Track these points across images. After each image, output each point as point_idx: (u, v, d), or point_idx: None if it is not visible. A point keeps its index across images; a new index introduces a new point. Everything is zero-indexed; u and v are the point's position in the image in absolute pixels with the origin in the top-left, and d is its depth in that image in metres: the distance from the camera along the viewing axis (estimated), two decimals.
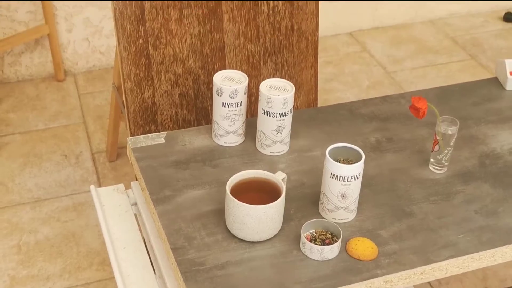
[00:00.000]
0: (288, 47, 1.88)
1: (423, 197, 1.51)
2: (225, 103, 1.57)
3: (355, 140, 1.66)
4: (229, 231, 1.39)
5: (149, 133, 1.66)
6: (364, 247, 1.36)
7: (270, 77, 1.91)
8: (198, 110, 1.88)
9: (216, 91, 1.57)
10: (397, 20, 3.41)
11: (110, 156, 2.47)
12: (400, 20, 3.41)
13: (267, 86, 1.56)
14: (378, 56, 3.14)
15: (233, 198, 1.33)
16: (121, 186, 1.69)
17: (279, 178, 1.40)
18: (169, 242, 1.36)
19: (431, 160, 1.58)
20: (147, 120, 1.84)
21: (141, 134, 1.77)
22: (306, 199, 1.49)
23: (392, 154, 1.63)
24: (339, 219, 1.42)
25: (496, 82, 1.91)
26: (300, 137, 1.67)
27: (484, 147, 1.67)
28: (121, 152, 2.53)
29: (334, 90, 2.88)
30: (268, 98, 1.53)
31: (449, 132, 1.53)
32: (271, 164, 1.58)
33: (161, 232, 1.41)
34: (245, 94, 1.58)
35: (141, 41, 1.74)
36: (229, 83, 1.57)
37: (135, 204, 1.65)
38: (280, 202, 1.35)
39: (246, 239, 1.37)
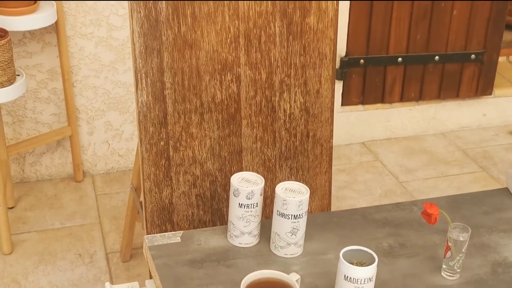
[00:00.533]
0: (303, 153, 1.95)
1: None
2: (241, 204, 1.61)
3: (368, 245, 1.68)
4: None
5: (165, 232, 1.70)
6: None
7: (285, 181, 1.96)
8: (214, 211, 1.92)
9: (233, 192, 1.62)
10: (409, 131, 3.49)
11: (124, 256, 2.50)
12: (412, 131, 3.49)
13: (282, 188, 1.61)
14: (390, 166, 3.20)
15: None
16: (135, 284, 1.71)
17: (293, 279, 1.42)
18: None
19: (443, 266, 1.60)
20: (163, 219, 1.88)
21: (157, 233, 1.81)
22: None
23: (404, 260, 1.65)
24: None
25: (507, 193, 1.94)
26: (314, 240, 1.70)
27: (496, 256, 1.69)
28: (135, 252, 2.55)
29: (347, 197, 2.92)
30: (283, 200, 1.57)
31: (461, 238, 1.56)
32: (284, 266, 1.60)
33: None
34: (261, 195, 1.63)
35: (162, 143, 1.81)
36: (246, 184, 1.62)
37: None
38: None
39: None
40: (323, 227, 1.75)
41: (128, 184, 3.00)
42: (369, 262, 1.44)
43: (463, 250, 1.56)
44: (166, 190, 1.86)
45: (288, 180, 1.96)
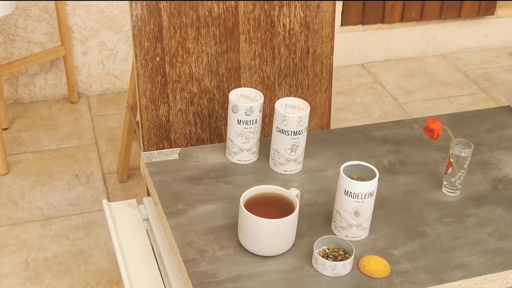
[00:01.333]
0: (303, 70, 1.90)
1: (436, 219, 1.50)
2: (240, 120, 1.58)
3: (368, 162, 1.66)
4: (241, 246, 1.39)
5: (160, 150, 1.67)
6: (376, 265, 1.35)
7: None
8: (211, 129, 1.89)
9: (232, 108, 1.58)
10: (409, 53, 3.43)
11: (121, 176, 2.48)
12: (412, 53, 3.44)
13: (282, 104, 1.58)
14: (389, 87, 3.16)
15: (246, 211, 1.34)
16: (133, 201, 1.70)
17: (292, 194, 1.40)
18: (181, 254, 1.36)
19: (444, 182, 1.58)
20: (160, 137, 1.85)
21: (154, 150, 1.78)
22: (319, 217, 1.49)
23: (405, 176, 1.63)
24: (351, 237, 1.42)
25: (509, 111, 1.91)
26: (313, 157, 1.67)
27: (497, 172, 1.67)
28: (132, 173, 2.53)
29: (345, 119, 2.89)
30: (283, 116, 1.54)
31: (463, 154, 1.54)
32: (284, 182, 1.59)
33: (173, 245, 1.41)
34: (260, 112, 1.59)
35: (158, 59, 1.76)
36: (245, 100, 1.58)
37: (147, 219, 1.65)
38: (293, 217, 1.35)
39: (258, 254, 1.36)
40: (323, 145, 1.73)
41: (123, 106, 2.96)
42: (370, 177, 1.42)
43: (465, 166, 1.55)
44: (163, 108, 1.82)
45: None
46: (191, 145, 1.89)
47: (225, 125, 1.90)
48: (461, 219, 1.51)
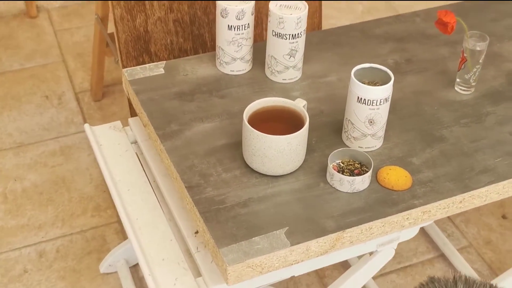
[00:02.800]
0: None
1: (453, 120, 1.39)
2: (231, 26, 1.42)
3: (372, 62, 1.52)
4: (247, 166, 1.26)
5: (143, 65, 1.51)
6: (397, 176, 1.24)
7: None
8: (194, 38, 1.72)
9: (220, 13, 1.41)
10: None
11: (95, 95, 2.31)
12: None
13: (277, 5, 1.41)
14: None
15: (252, 129, 1.20)
16: (118, 123, 1.54)
17: (299, 105, 1.27)
18: (183, 181, 1.23)
19: (457, 80, 1.46)
20: (140, 50, 1.68)
21: (135, 66, 1.61)
22: (327, 128, 1.36)
23: (413, 76, 1.50)
24: (365, 148, 1.30)
25: None
26: (312, 62, 1.53)
27: (510, 65, 1.55)
28: (106, 90, 2.36)
29: (327, 17, 2.72)
30: (280, 18, 1.38)
31: (478, 48, 1.40)
32: (284, 92, 1.44)
33: (172, 170, 1.28)
34: (252, 15, 1.43)
35: None
36: (235, 2, 1.41)
37: (135, 142, 1.51)
38: (304, 132, 1.22)
39: (267, 174, 1.24)
40: (320, 47, 1.58)
41: (89, 18, 2.74)
42: (382, 81, 1.28)
43: (480, 61, 1.42)
44: (140, 17, 1.64)
45: None
46: (174, 57, 1.72)
47: (209, 32, 1.73)
48: (479, 119, 1.40)
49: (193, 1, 1.66)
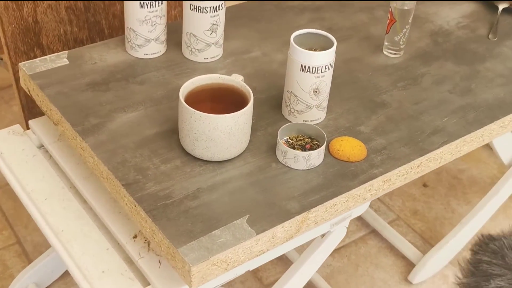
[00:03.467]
0: None
1: (390, 84, 1.32)
2: (143, 3, 1.26)
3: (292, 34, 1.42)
4: (188, 154, 1.11)
5: (42, 57, 1.31)
6: (351, 147, 1.15)
7: None
8: (90, 26, 1.54)
9: None
10: None
11: None
12: None
13: None
14: None
15: (194, 110, 1.06)
16: (17, 127, 1.34)
17: (238, 80, 1.14)
18: (118, 178, 1.06)
19: (386, 43, 1.39)
20: (30, 44, 1.47)
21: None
22: (264, 105, 1.24)
23: (339, 45, 1.41)
24: (311, 121, 1.20)
25: None
26: (231, 38, 1.40)
27: (431, 25, 1.50)
28: None
29: None
30: None
31: (406, 7, 1.34)
32: (208, 72, 1.31)
33: (101, 169, 1.10)
34: None
35: None
36: None
37: (42, 146, 1.32)
38: (250, 108, 1.09)
39: (212, 160, 1.10)
40: (236, 23, 1.45)
41: None
42: (322, 47, 1.18)
43: (409, 21, 1.36)
44: (28, 5, 1.43)
45: None
46: (69, 49, 1.53)
47: (106, 18, 1.55)
48: (415, 81, 1.33)
49: None
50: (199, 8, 1.26)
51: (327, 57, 1.14)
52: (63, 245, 1.11)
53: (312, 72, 1.14)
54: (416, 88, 1.31)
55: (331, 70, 1.17)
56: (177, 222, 1.00)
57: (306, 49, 1.18)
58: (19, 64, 1.28)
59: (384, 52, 1.40)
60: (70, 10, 1.49)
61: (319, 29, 1.44)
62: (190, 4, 1.26)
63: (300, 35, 1.18)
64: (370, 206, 1.84)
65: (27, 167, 1.25)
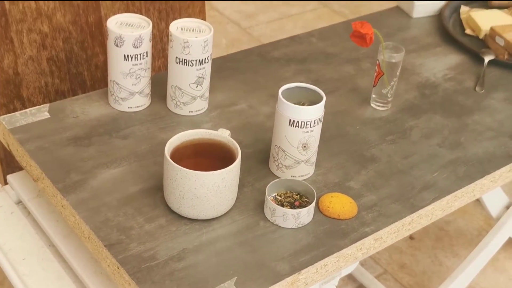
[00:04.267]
0: None
1: (379, 138, 1.30)
2: (128, 56, 1.24)
3: (279, 86, 1.39)
4: (173, 212, 1.08)
5: (22, 110, 1.28)
6: (341, 204, 1.11)
7: (155, 28, 1.58)
8: (72, 78, 1.51)
9: (114, 41, 1.23)
10: None
11: None
12: None
13: (178, 28, 1.25)
14: (227, 13, 2.89)
15: (180, 167, 1.02)
16: None
17: (225, 135, 1.11)
18: (100, 238, 1.02)
19: (373, 96, 1.37)
20: (10, 96, 1.44)
21: (4, 115, 1.36)
22: (251, 160, 1.21)
23: (326, 97, 1.39)
24: (299, 176, 1.17)
25: (399, 11, 1.74)
26: (216, 91, 1.38)
27: (417, 77, 1.49)
28: None
29: None
30: (184, 43, 1.22)
31: (393, 60, 1.33)
32: (193, 125, 1.28)
33: (82, 229, 1.06)
34: (150, 42, 1.26)
35: None
36: (130, 29, 1.24)
37: (20, 202, 1.27)
38: (238, 164, 1.06)
39: (199, 218, 1.06)
40: (221, 75, 1.43)
41: None
42: (310, 101, 1.16)
43: (397, 74, 1.34)
44: (8, 57, 1.40)
45: (159, 26, 1.59)
46: (50, 101, 1.50)
47: (88, 70, 1.52)
48: (404, 134, 1.31)
49: (68, 37, 1.45)
50: (185, 61, 1.24)
51: (316, 111, 1.11)
52: None
53: (301, 127, 1.11)
54: (405, 141, 1.29)
55: (320, 124, 1.14)
56: (162, 285, 0.96)
57: (294, 103, 1.16)
58: None
59: (372, 105, 1.38)
60: (51, 61, 1.46)
61: (306, 81, 1.43)
62: (176, 57, 1.24)
63: (288, 89, 1.16)
64: None
65: (5, 224, 1.20)
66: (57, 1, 1.41)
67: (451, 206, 1.20)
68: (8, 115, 1.25)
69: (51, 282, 1.10)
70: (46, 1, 1.40)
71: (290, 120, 1.11)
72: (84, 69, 1.51)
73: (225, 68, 1.46)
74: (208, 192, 1.03)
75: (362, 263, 1.80)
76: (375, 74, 1.35)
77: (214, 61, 1.48)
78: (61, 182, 1.11)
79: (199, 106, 1.30)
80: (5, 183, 1.36)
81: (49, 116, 1.26)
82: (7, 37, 1.38)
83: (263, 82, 1.42)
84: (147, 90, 1.30)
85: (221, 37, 2.73)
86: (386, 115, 1.36)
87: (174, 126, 1.27)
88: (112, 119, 1.27)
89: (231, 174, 1.04)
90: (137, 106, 1.29)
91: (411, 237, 1.88)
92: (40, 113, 1.27)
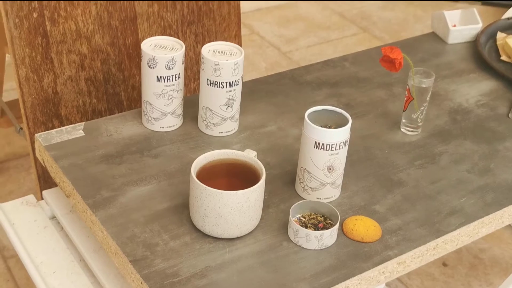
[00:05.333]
0: (208, 14, 1.61)
1: (407, 163, 1.30)
2: (160, 77, 1.27)
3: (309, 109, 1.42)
4: (198, 230, 1.10)
5: (58, 128, 1.32)
6: (365, 227, 1.12)
7: (191, 51, 1.62)
8: (109, 98, 1.55)
9: (147, 63, 1.26)
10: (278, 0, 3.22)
11: None
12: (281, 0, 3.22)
13: (209, 51, 1.28)
14: (268, 37, 2.93)
15: (205, 186, 1.04)
16: (31, 197, 1.34)
17: (251, 156, 1.13)
18: (126, 254, 1.05)
19: (403, 121, 1.38)
20: (49, 115, 1.49)
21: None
22: (277, 181, 1.22)
23: (356, 121, 1.41)
24: (324, 198, 1.18)
25: (435, 37, 1.75)
26: (247, 113, 1.40)
27: (449, 103, 1.49)
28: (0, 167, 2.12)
29: None
30: (215, 65, 1.25)
31: (424, 85, 1.33)
32: (222, 146, 1.30)
33: (109, 244, 1.09)
34: (183, 64, 1.29)
35: (35, 15, 1.39)
36: (163, 51, 1.27)
37: (53, 217, 1.31)
38: (262, 184, 1.08)
39: (222, 237, 1.08)
40: (252, 97, 1.46)
41: None
42: (336, 124, 1.17)
43: (427, 99, 1.35)
44: (48, 77, 1.45)
45: (194, 50, 1.63)
46: (87, 120, 1.54)
47: (125, 90, 1.57)
48: (433, 159, 1.31)
49: (106, 58, 1.50)
50: (216, 83, 1.26)
51: (341, 134, 1.13)
52: None
53: (326, 149, 1.13)
54: (434, 166, 1.29)
55: (346, 147, 1.15)
56: None
57: (321, 126, 1.17)
58: (35, 135, 1.29)
59: (402, 129, 1.38)
60: (89, 81, 1.51)
61: (337, 105, 1.44)
62: (207, 79, 1.27)
63: (315, 111, 1.17)
64: (387, 284, 1.79)
65: (38, 238, 1.24)
66: (96, 24, 1.46)
67: (478, 233, 1.19)
68: (44, 132, 1.29)
69: None
70: (85, 24, 1.45)
71: (315, 143, 1.13)
72: (121, 90, 1.56)
73: (257, 91, 1.48)
74: (232, 211, 1.05)
75: None
76: (405, 98, 1.35)
77: (247, 83, 1.51)
78: (91, 198, 1.15)
79: (229, 127, 1.32)
80: (42, 198, 1.41)
81: (83, 134, 1.30)
82: (48, 57, 1.44)
83: (293, 105, 1.44)
84: (179, 111, 1.33)
85: (261, 61, 2.76)
86: (416, 140, 1.36)
87: (204, 146, 1.30)
88: (144, 138, 1.31)
89: (254, 194, 1.06)
90: (169, 126, 1.33)
91: (444, 264, 1.86)
92: (75, 131, 1.31)
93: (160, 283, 1.00)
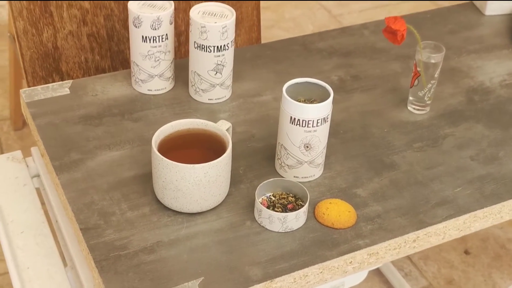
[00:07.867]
0: None
1: (405, 144, 1.19)
2: (146, 37, 1.21)
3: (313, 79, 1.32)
4: (159, 202, 1.04)
5: (45, 85, 1.29)
6: (338, 211, 1.03)
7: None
8: (113, 55, 1.50)
9: (133, 21, 1.20)
10: None
11: (14, 123, 2.07)
12: None
13: (199, 12, 1.21)
14: None
15: (162, 157, 0.98)
16: (17, 153, 1.32)
17: (222, 128, 1.05)
18: (78, 221, 1.00)
19: (410, 98, 1.27)
20: (49, 70, 1.45)
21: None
22: (258, 155, 1.15)
23: (360, 95, 1.30)
24: (302, 177, 1.09)
25: (472, 7, 1.60)
26: (244, 80, 1.32)
27: (470, 81, 1.36)
28: None
29: (275, 37, 2.53)
30: (202, 27, 1.17)
31: (432, 61, 1.21)
32: (210, 113, 1.23)
33: (67, 209, 1.05)
34: (171, 24, 1.22)
35: None
36: (150, 10, 1.21)
37: (38, 175, 1.28)
38: (225, 159, 1.00)
39: (182, 211, 1.02)
40: (254, 63, 1.37)
41: None
42: (321, 99, 1.08)
43: (436, 76, 1.23)
44: (47, 31, 1.42)
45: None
46: (89, 76, 1.50)
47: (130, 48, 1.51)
48: (435, 142, 1.20)
49: (109, 14, 1.45)
50: (203, 46, 1.19)
51: (319, 110, 1.03)
52: (22, 283, 1.06)
53: (302, 126, 1.04)
54: (434, 150, 1.18)
55: (326, 124, 1.06)
56: (125, 277, 0.93)
57: (304, 100, 1.08)
58: (20, 90, 1.25)
59: (408, 108, 1.27)
60: (92, 37, 1.46)
61: (344, 76, 1.34)
62: (194, 42, 1.20)
63: (297, 83, 1.08)
64: (400, 268, 1.69)
65: (14, 196, 1.22)
66: None
67: (470, 227, 1.08)
68: (29, 88, 1.26)
69: (40, 258, 1.11)
70: None
71: (291, 118, 1.04)
72: (126, 48, 1.51)
73: (261, 56, 1.40)
74: (190, 186, 0.99)
75: (407, 273, 1.69)
76: (412, 74, 1.24)
77: (252, 47, 1.43)
78: (58, 160, 1.11)
79: (219, 94, 1.25)
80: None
81: (68, 92, 1.26)
82: (47, 11, 1.40)
83: (296, 74, 1.35)
84: (168, 74, 1.26)
85: (309, 23, 2.65)
86: (421, 119, 1.25)
87: (190, 112, 1.24)
88: (130, 100, 1.25)
89: (215, 169, 0.99)
90: (157, 89, 1.27)
91: (466, 252, 1.74)
92: (61, 88, 1.27)
93: (106, 255, 0.96)
